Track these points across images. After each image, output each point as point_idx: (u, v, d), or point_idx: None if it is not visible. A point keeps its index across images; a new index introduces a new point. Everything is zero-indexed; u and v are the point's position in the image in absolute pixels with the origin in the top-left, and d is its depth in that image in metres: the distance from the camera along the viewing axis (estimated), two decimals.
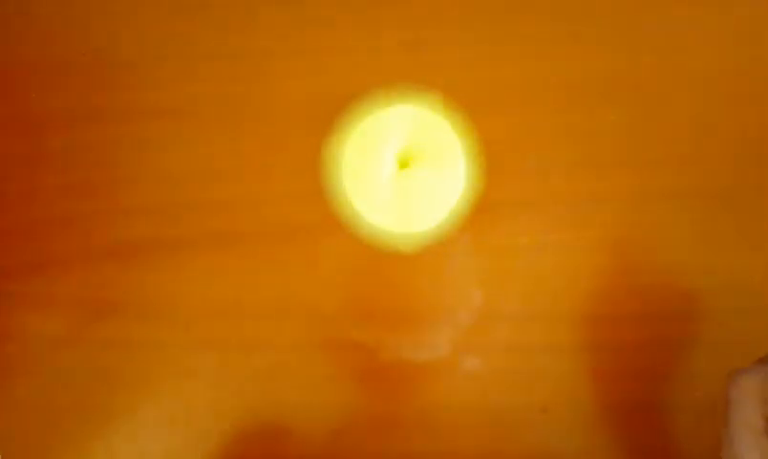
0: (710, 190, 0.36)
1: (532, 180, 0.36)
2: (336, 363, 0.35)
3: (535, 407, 0.34)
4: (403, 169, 0.34)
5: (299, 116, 0.36)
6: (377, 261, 0.35)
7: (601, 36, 0.37)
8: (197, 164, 0.36)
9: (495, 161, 0.36)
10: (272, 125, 0.36)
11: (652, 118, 0.36)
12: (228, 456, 0.35)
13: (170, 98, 0.36)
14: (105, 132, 0.36)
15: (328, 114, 0.37)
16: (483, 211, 0.35)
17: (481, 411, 0.35)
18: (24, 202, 0.36)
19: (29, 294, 0.36)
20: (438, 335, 0.35)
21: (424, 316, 0.35)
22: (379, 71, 0.37)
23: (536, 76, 0.37)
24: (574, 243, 0.35)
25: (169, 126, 0.36)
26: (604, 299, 0.33)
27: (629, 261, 0.35)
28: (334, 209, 0.34)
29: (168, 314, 0.35)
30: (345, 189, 0.34)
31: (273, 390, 0.35)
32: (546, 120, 0.36)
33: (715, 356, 0.34)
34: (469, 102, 0.37)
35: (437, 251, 0.35)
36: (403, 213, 0.34)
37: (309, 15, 0.37)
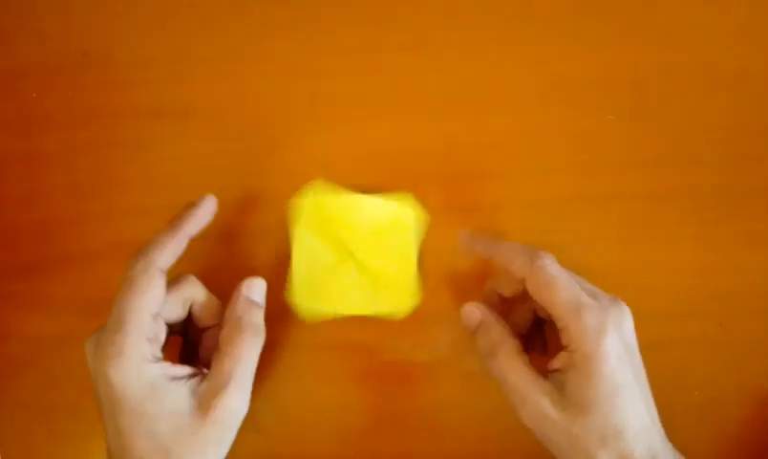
0: (710, 190, 0.36)
1: (532, 180, 0.36)
2: (336, 363, 0.35)
3: None
4: (356, 257, 0.34)
5: (299, 116, 0.36)
6: None
7: (601, 36, 0.37)
8: (196, 164, 0.36)
9: (495, 161, 0.36)
10: (272, 125, 0.36)
11: (652, 118, 0.36)
12: None
13: (168, 98, 0.36)
14: (104, 132, 0.36)
15: (327, 114, 0.37)
16: (483, 211, 0.36)
17: (481, 411, 0.35)
18: (24, 202, 0.36)
19: (29, 294, 0.36)
20: (438, 335, 0.35)
21: (424, 316, 0.35)
22: (379, 71, 0.37)
23: (536, 76, 0.37)
24: (574, 242, 0.35)
25: (168, 126, 0.36)
26: None
27: (630, 261, 0.35)
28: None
29: None
30: (296, 276, 0.34)
31: (273, 389, 0.35)
32: (547, 120, 0.36)
33: (716, 356, 0.35)
34: (469, 102, 0.37)
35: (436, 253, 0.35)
36: (354, 300, 0.34)
37: (308, 15, 0.37)
